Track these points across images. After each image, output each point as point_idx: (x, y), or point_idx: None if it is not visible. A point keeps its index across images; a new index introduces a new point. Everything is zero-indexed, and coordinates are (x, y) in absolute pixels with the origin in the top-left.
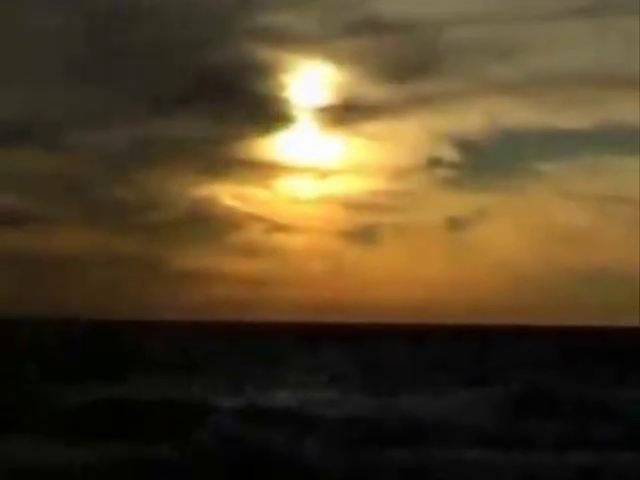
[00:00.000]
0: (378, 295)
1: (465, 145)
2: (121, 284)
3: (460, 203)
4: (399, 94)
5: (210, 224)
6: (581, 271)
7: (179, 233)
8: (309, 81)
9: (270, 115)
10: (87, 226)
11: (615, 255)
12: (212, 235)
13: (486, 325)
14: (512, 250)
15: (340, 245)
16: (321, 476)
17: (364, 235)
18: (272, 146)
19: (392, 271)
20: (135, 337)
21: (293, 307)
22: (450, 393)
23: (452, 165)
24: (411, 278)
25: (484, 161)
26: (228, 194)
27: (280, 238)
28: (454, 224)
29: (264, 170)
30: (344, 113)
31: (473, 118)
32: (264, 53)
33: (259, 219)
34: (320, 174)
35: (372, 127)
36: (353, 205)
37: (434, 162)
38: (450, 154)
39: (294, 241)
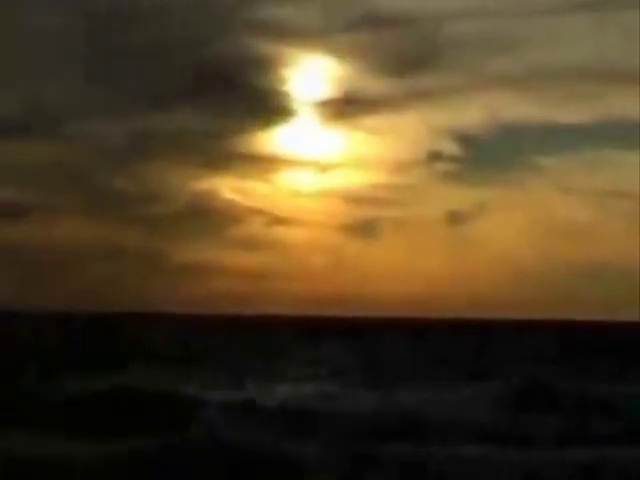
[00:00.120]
0: (378, 289)
1: (465, 139)
2: (121, 277)
3: (460, 197)
4: (399, 88)
5: (210, 217)
6: (581, 266)
7: (179, 226)
8: (309, 75)
9: (270, 109)
10: (87, 218)
11: (615, 250)
12: (212, 228)
13: (486, 319)
14: (512, 244)
15: (340, 239)
16: (318, 471)
17: (364, 229)
18: (272, 140)
19: (392, 265)
20: (135, 330)
21: (293, 301)
22: (450, 387)
23: (452, 159)
24: (411, 272)
25: (484, 155)
26: (228, 187)
27: (280, 232)
28: (454, 218)
29: (264, 163)
30: (344, 107)
31: (473, 112)
32: (264, 47)
33: (259, 212)
34: (320, 168)
35: (372, 121)
36: (353, 199)
37: (434, 156)
38: (450, 148)
39: (294, 235)
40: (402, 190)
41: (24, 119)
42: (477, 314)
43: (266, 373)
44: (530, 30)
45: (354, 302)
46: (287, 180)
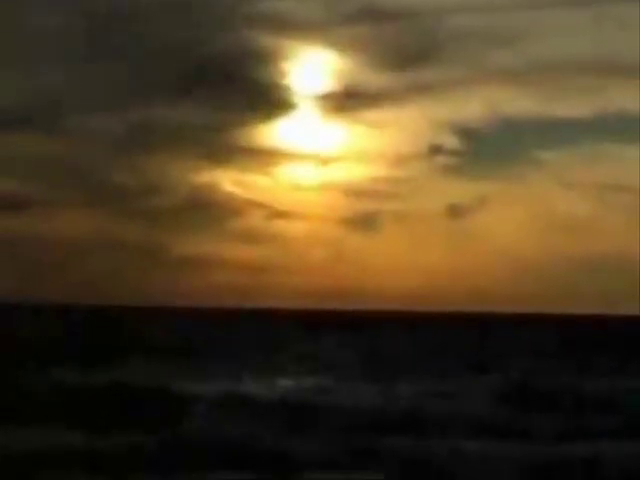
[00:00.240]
0: (378, 282)
1: (466, 133)
2: (121, 270)
3: (460, 191)
4: (400, 81)
5: (211, 210)
6: (581, 259)
7: (179, 219)
8: (310, 68)
9: (271, 102)
10: (88, 211)
11: (615, 243)
12: (213, 221)
13: (486, 313)
14: (512, 238)
15: (341, 232)
16: (317, 465)
17: (365, 222)
18: (273, 133)
19: (392, 258)
20: (134, 323)
21: (293, 294)
22: (449, 381)
23: (452, 153)
24: (411, 265)
25: (484, 149)
26: (229, 180)
27: (281, 225)
28: (454, 212)
29: (265, 157)
30: (345, 100)
31: (473, 106)
32: (265, 40)
33: (260, 206)
34: (321, 161)
35: (373, 114)
36: (354, 192)
37: (435, 150)
38: (450, 142)
39: (295, 228)
40: (402, 183)
41: (25, 112)
42: (477, 308)
43: (265, 367)
44: (530, 24)
45: (354, 295)
46: (287, 173)
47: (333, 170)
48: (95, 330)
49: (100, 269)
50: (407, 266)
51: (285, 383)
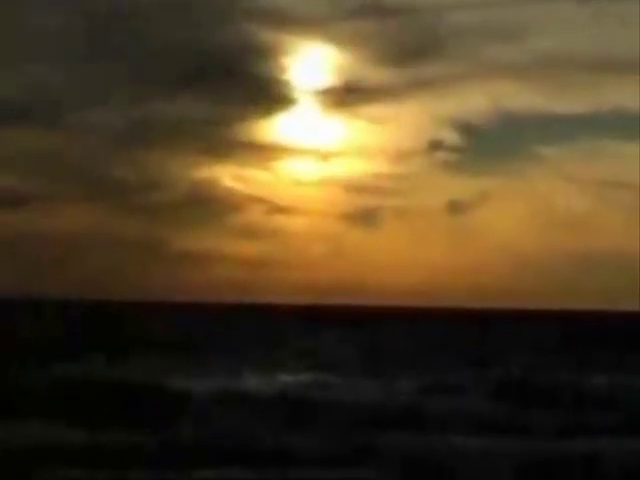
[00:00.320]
0: (378, 278)
1: (466, 128)
2: (121, 265)
3: (461, 186)
4: (400, 77)
5: (210, 205)
6: (581, 255)
7: (179, 214)
8: (310, 63)
9: (271, 97)
10: (87, 206)
11: (614, 240)
12: (212, 216)
13: (486, 309)
14: (512, 234)
15: (341, 228)
16: (316, 460)
17: (365, 218)
18: (273, 128)
19: (393, 254)
20: (133, 318)
21: (293, 289)
22: (450, 376)
23: (453, 148)
24: (411, 261)
25: (485, 144)
26: (229, 175)
27: (281, 220)
28: (455, 207)
29: (265, 152)
30: (345, 95)
31: (474, 102)
32: (265, 35)
33: (260, 201)
34: (321, 156)
35: (373, 110)
36: (354, 188)
37: (435, 145)
38: (451, 137)
39: (295, 223)
40: (403, 179)
41: (25, 107)
42: (477, 303)
43: (265, 362)
44: (530, 20)
45: (354, 291)
46: (288, 168)
47: (333, 165)
48: (94, 325)
49: (99, 264)
50: (407, 262)
51: (285, 379)
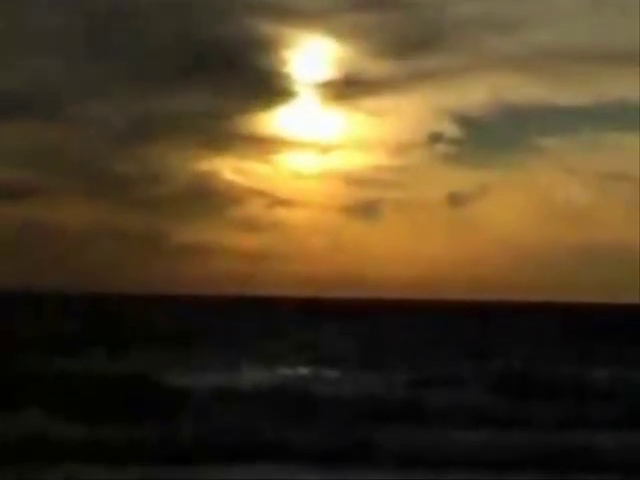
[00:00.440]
0: (379, 271)
1: (466, 121)
2: (121, 258)
3: (461, 179)
4: (401, 69)
5: (211, 198)
6: (581, 248)
7: (180, 207)
8: (310, 56)
9: (271, 90)
10: (88, 199)
11: (615, 232)
12: (213, 209)
13: (486, 301)
14: (513, 226)
15: (341, 220)
16: (314, 454)
17: (365, 210)
18: (273, 121)
19: (393, 247)
20: (133, 311)
21: (294, 282)
22: (450, 370)
23: (453, 141)
24: (412, 254)
25: (485, 137)
26: (229, 168)
27: (281, 213)
28: (455, 200)
29: (265, 145)
30: (346, 88)
31: (474, 94)
32: (265, 27)
33: (260, 194)
34: (321, 149)
35: (373, 102)
36: (354, 180)
37: (435, 138)
38: (451, 130)
39: (295, 216)
40: (403, 172)
41: (25, 101)
42: (478, 296)
43: (265, 355)
44: (531, 12)
45: (355, 283)
46: (288, 161)
47: (334, 158)
48: (94, 319)
49: (100, 257)
50: (408, 254)
51: (285, 372)
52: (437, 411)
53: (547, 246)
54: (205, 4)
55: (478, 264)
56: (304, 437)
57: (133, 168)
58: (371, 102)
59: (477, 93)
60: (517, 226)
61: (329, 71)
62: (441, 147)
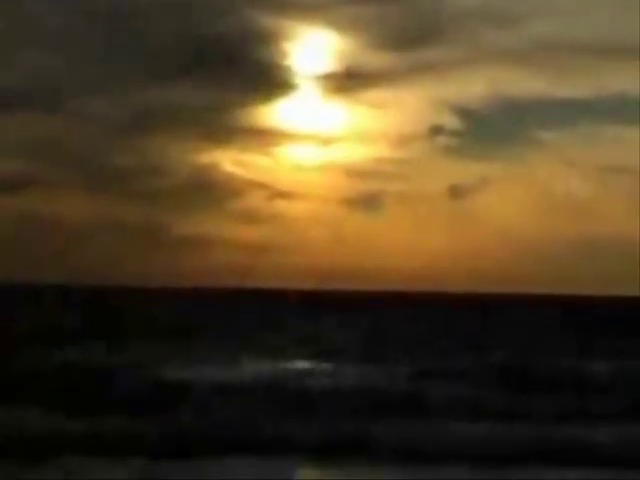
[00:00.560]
0: (379, 263)
1: (467, 113)
2: (121, 251)
3: (462, 171)
4: (401, 62)
5: (211, 191)
6: (581, 240)
7: (180, 200)
8: (311, 49)
9: (272, 82)
10: (88, 192)
11: (615, 225)
12: (213, 202)
13: (487, 293)
14: (513, 219)
15: (342, 213)
16: (313, 448)
17: (366, 203)
18: (274, 113)
19: (394, 239)
20: (133, 304)
21: (294, 274)
22: (450, 362)
23: (454, 133)
24: (412, 246)
25: (485, 129)
26: (230, 161)
27: (281, 205)
28: (456, 192)
29: (266, 137)
30: (346, 81)
31: (475, 86)
32: (266, 20)
33: (261, 186)
34: (322, 141)
35: (374, 95)
36: (355, 173)
37: (436, 130)
38: (452, 122)
39: (296, 208)
40: (404, 164)
41: (26, 94)
42: (478, 288)
43: (265, 348)
44: (531, 5)
45: (355, 276)
46: (289, 154)
47: (334, 150)
48: (94, 312)
49: (100, 250)
50: (408, 246)
51: (285, 365)
52: (437, 404)
53: (547, 239)
54: None
55: (478, 256)
56: (304, 430)
57: (133, 161)
58: (372, 94)
59: (477, 86)
60: (517, 219)
61: (329, 64)
62: (442, 139)
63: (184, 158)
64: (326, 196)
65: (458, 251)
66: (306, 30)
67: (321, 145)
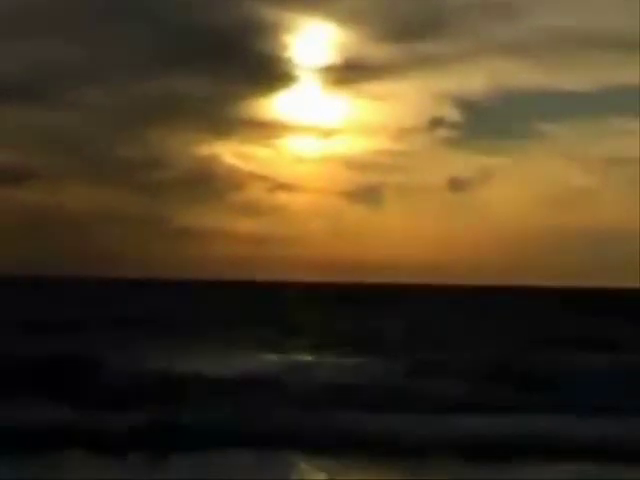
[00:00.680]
0: (379, 255)
1: (467, 106)
2: (122, 242)
3: (462, 164)
4: (402, 54)
5: (212, 183)
6: (582, 232)
7: (181, 191)
8: (312, 40)
9: (272, 74)
10: (89, 184)
11: (617, 217)
12: (214, 194)
13: (487, 286)
14: (513, 211)
15: (342, 205)
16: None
17: (366, 195)
18: (274, 105)
19: (394, 231)
20: (132, 296)
21: (295, 266)
22: (449, 354)
23: (454, 126)
24: (413, 238)
25: (486, 122)
26: (230, 153)
27: (282, 197)
28: (456, 185)
29: (266, 129)
30: (347, 73)
31: (476, 79)
32: (266, 12)
33: (261, 178)
34: (323, 134)
35: (374, 87)
36: (355, 165)
37: (436, 122)
38: (452, 115)
39: (296, 200)
40: (404, 156)
41: (26, 85)
42: (478, 281)
43: (263, 342)
44: None
45: (355, 268)
46: (289, 146)
47: (335, 143)
48: (94, 303)
49: (100, 241)
50: (408, 239)
51: (282, 358)
52: (435, 398)
53: (548, 231)
54: None
55: (479, 248)
56: (296, 424)
57: (134, 152)
58: (372, 87)
59: (478, 78)
60: (518, 210)
61: (330, 56)
62: (442, 132)
63: (185, 150)
64: (326, 188)
65: (458, 243)
66: (307, 22)
67: (322, 137)
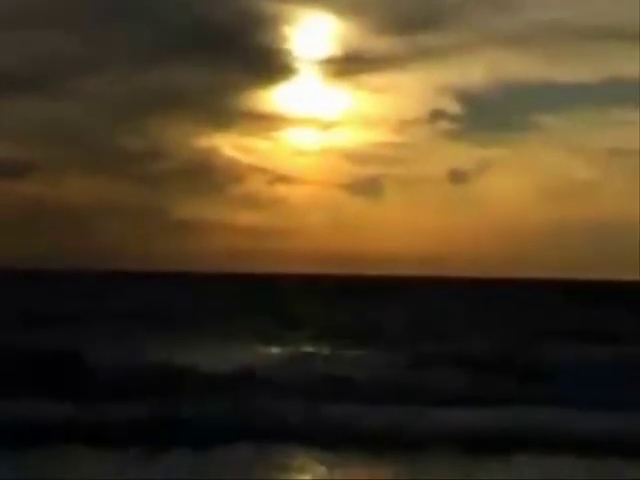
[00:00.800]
0: (380, 247)
1: (468, 98)
2: (121, 234)
3: (462, 156)
4: (402, 46)
5: (211, 175)
6: (584, 224)
7: (180, 184)
8: (311, 32)
9: (272, 66)
10: (88, 176)
11: (618, 209)
12: (213, 186)
13: (487, 278)
14: (514, 203)
15: (342, 197)
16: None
17: (366, 187)
18: (274, 97)
19: (394, 223)
20: (132, 288)
21: (294, 259)
22: (451, 346)
23: (455, 118)
24: (413, 230)
25: (486, 114)
26: (230, 145)
27: (282, 190)
28: (456, 177)
29: (266, 121)
30: (347, 65)
31: (476, 71)
32: (266, 3)
33: (261, 170)
34: (323, 126)
35: (375, 79)
36: (356, 157)
37: (437, 115)
38: (453, 107)
39: (296, 193)
40: (404, 149)
41: (25, 77)
42: (478, 273)
43: (263, 334)
44: None
45: (355, 260)
46: (289, 138)
47: (335, 135)
48: (94, 296)
49: (100, 233)
50: (409, 231)
51: (281, 352)
52: (436, 390)
53: (549, 223)
54: None
55: (479, 240)
56: (295, 416)
57: (134, 144)
58: (372, 79)
59: (478, 70)
60: (518, 202)
61: (330, 48)
62: (443, 124)
63: (184, 142)
64: (326, 180)
65: (459, 235)
66: (307, 13)
67: (321, 129)
